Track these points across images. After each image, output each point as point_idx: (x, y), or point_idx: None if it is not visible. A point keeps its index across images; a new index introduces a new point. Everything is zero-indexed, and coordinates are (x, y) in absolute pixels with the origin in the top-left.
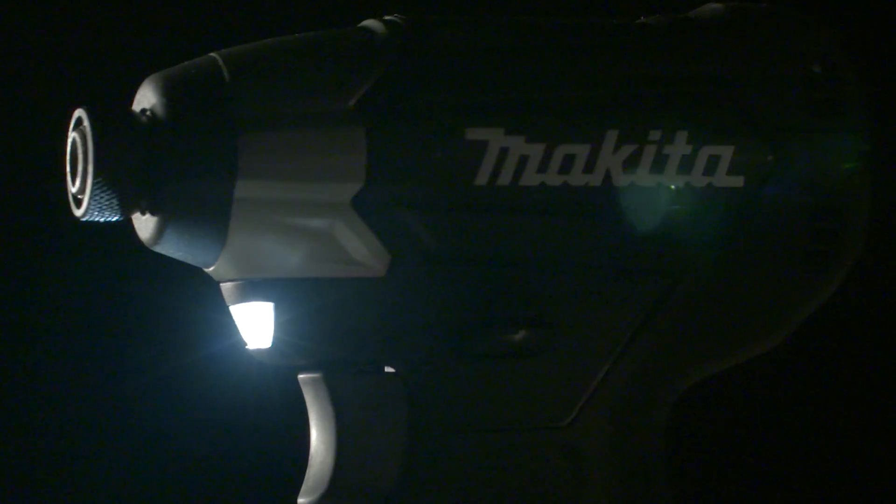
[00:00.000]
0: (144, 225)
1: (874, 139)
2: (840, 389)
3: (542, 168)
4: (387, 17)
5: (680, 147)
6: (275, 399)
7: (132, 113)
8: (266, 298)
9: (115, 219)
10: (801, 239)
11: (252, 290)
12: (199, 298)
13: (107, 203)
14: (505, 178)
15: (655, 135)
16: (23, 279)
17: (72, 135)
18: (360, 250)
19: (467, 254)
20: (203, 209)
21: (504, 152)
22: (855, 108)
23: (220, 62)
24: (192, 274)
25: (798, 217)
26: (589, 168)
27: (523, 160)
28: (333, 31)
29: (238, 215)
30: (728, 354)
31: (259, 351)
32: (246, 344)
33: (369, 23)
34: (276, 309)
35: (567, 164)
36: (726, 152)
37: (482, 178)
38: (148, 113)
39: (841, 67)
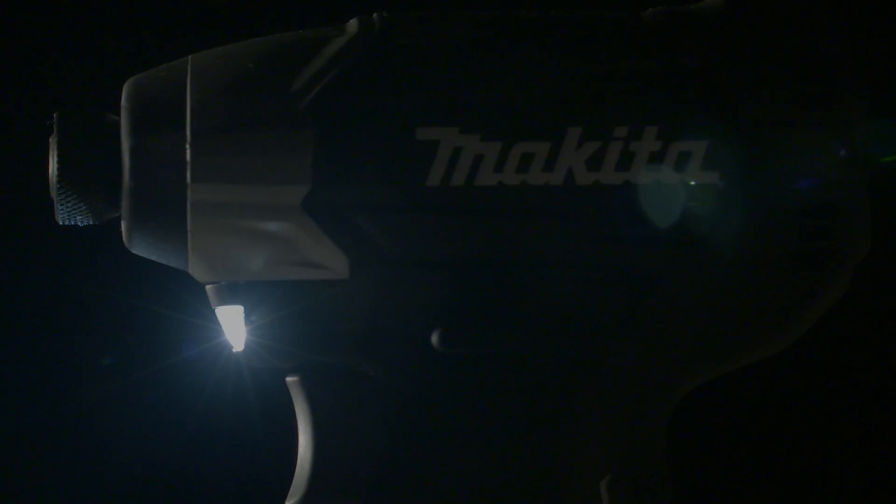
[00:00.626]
0: (122, 228)
1: (873, 133)
2: (841, 390)
3: (499, 167)
4: (370, 16)
5: (648, 143)
6: (269, 401)
7: (102, 117)
8: (237, 301)
9: (89, 222)
10: (791, 236)
11: (226, 293)
12: (194, 299)
13: (74, 207)
14: (459, 179)
15: (622, 131)
16: (13, 281)
17: (51, 140)
18: (318, 253)
19: (427, 256)
20: (160, 212)
21: (457, 152)
22: (848, 101)
23: (189, 64)
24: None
25: (786, 213)
26: (549, 167)
27: (478, 159)
28: (309, 32)
29: (195, 218)
30: (727, 358)
31: (238, 353)
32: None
33: (350, 22)
34: (247, 312)
35: (525, 163)
36: (699, 148)
37: (434, 179)
38: (117, 117)
39: (835, 60)
